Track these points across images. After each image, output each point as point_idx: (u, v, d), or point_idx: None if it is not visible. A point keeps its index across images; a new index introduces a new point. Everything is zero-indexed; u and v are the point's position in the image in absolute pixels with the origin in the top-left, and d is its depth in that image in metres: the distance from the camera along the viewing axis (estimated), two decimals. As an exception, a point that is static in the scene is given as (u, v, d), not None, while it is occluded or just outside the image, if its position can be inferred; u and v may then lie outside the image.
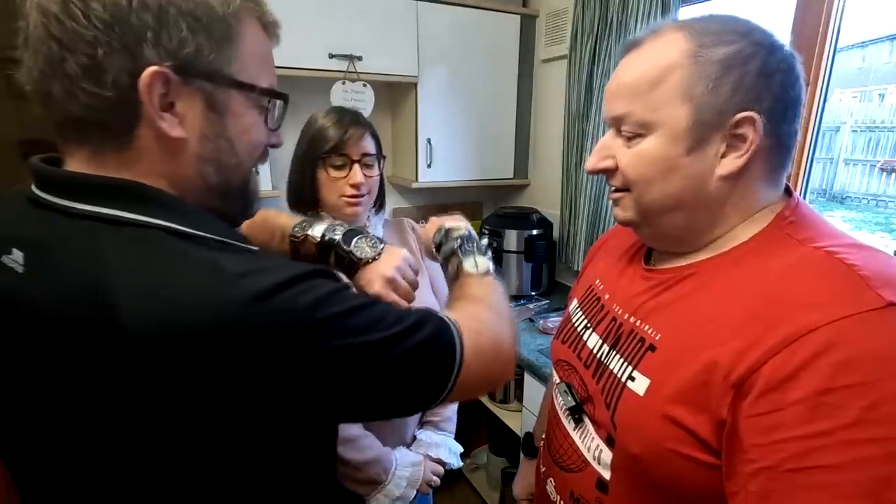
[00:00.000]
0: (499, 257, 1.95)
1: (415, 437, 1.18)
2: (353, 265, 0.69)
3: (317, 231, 0.71)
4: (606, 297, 0.70)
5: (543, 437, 0.81)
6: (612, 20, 1.58)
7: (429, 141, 1.92)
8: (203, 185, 0.49)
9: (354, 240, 0.69)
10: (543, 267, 2.00)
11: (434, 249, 0.77)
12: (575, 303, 0.79)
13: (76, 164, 0.47)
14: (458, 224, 0.76)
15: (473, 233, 0.75)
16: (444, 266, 0.73)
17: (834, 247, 0.49)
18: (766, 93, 0.51)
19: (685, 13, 1.52)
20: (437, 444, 1.17)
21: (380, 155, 1.07)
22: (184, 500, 0.48)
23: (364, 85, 1.73)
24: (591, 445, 0.62)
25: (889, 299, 0.42)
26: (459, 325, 0.53)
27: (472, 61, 1.94)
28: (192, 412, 0.42)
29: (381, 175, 1.09)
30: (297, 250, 0.73)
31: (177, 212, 0.46)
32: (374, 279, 0.67)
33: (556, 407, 0.72)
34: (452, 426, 1.24)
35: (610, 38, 1.60)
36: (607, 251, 0.79)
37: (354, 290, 0.51)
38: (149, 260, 0.42)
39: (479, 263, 0.68)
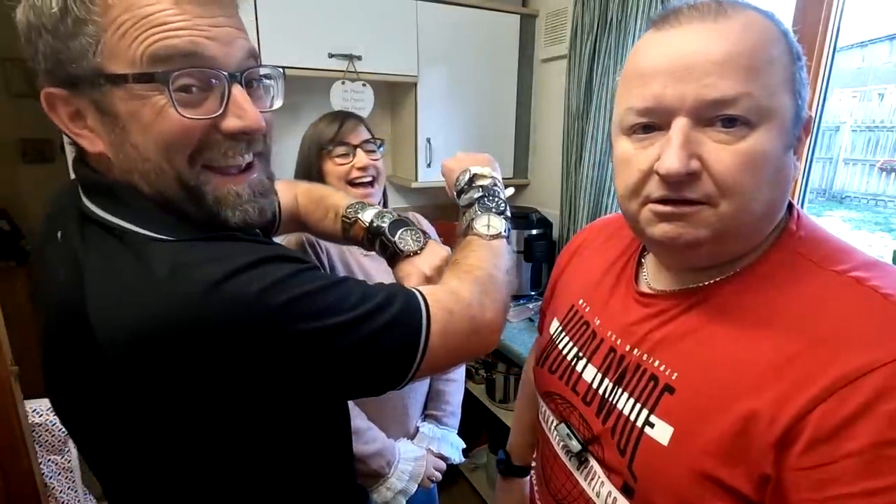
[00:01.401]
0: (498, 257, 1.95)
1: (417, 429, 1.18)
2: (396, 255, 0.69)
3: (367, 216, 0.71)
4: (597, 322, 0.62)
5: (534, 465, 0.76)
6: (611, 19, 1.58)
7: (428, 141, 1.92)
8: (151, 195, 0.46)
9: (400, 231, 0.69)
10: (543, 267, 2.00)
11: (455, 194, 0.73)
12: (556, 324, 0.70)
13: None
14: (484, 170, 0.71)
15: (499, 182, 0.72)
16: (462, 213, 0.70)
17: (856, 271, 0.45)
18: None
19: (685, 13, 1.52)
20: (439, 438, 1.17)
21: (380, 142, 1.12)
22: (187, 493, 0.50)
23: (364, 85, 1.73)
24: (601, 491, 0.55)
25: None
26: (430, 303, 0.52)
27: (472, 61, 1.94)
28: (167, 409, 0.43)
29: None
30: (347, 231, 0.73)
31: (137, 211, 0.46)
32: (413, 274, 0.67)
33: (552, 442, 0.65)
34: (456, 421, 1.24)
35: (609, 38, 1.60)
36: (585, 264, 0.72)
37: (343, 272, 0.52)
38: (112, 259, 0.43)
39: (491, 224, 0.65)
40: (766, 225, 0.48)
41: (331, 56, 1.65)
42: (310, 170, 1.08)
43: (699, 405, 0.46)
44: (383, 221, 0.70)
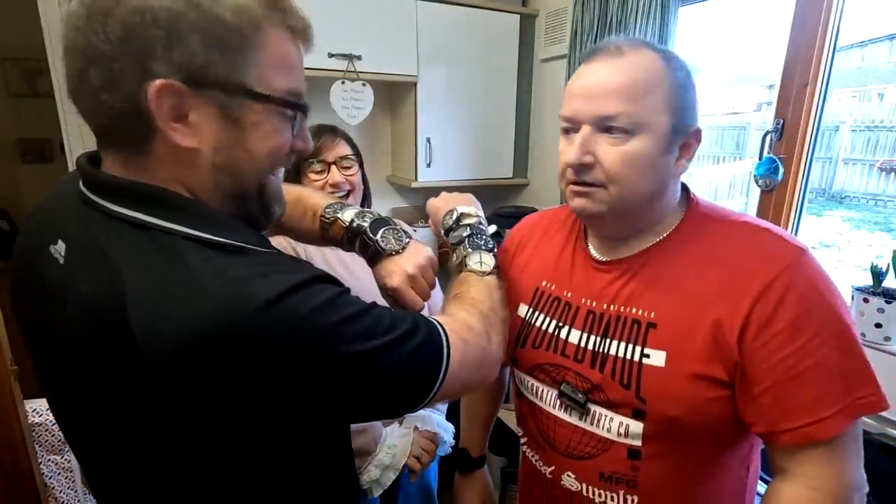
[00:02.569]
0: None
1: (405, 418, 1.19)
2: (377, 255, 0.69)
3: (346, 216, 0.71)
4: (568, 294, 0.75)
5: (525, 441, 0.83)
6: (611, 19, 1.58)
7: (428, 140, 1.92)
8: (218, 191, 0.50)
9: (382, 230, 0.69)
10: (543, 266, 2.00)
11: (443, 232, 0.76)
12: (525, 308, 0.80)
13: (110, 165, 0.49)
14: (470, 209, 0.76)
15: (484, 222, 0.76)
16: (452, 249, 0.74)
17: (742, 218, 0.68)
18: (696, 111, 0.66)
19: (684, 13, 1.52)
20: (424, 416, 1.18)
21: (359, 157, 1.18)
22: (200, 496, 0.50)
23: (363, 84, 1.73)
24: (610, 427, 0.67)
25: (801, 246, 0.62)
26: (449, 333, 0.55)
27: (472, 61, 1.94)
28: (200, 419, 0.43)
29: (364, 179, 1.19)
30: (325, 231, 0.73)
31: (196, 217, 0.47)
32: (396, 273, 0.67)
33: (547, 407, 0.75)
34: (443, 406, 1.27)
35: (609, 38, 1.60)
36: (535, 255, 0.84)
37: (368, 293, 0.52)
38: (161, 268, 0.43)
39: (483, 261, 0.69)
40: (654, 203, 0.67)
41: (331, 56, 1.65)
42: (291, 179, 1.12)
43: (679, 329, 0.63)
44: (364, 220, 0.70)
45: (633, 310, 0.67)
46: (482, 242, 0.72)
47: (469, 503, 0.98)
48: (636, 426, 0.65)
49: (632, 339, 0.66)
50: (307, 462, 0.56)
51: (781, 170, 1.33)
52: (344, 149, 1.15)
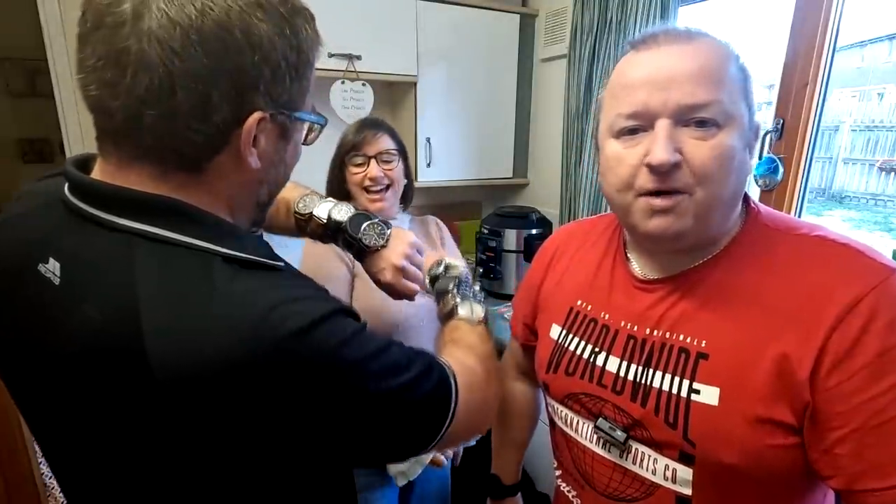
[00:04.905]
0: (498, 257, 1.95)
1: None
2: (362, 251, 0.69)
3: (321, 211, 0.71)
4: (606, 316, 0.66)
5: (558, 475, 0.76)
6: (611, 19, 1.58)
7: (428, 140, 1.92)
8: (253, 204, 0.51)
9: (363, 226, 0.69)
10: (543, 266, 2.00)
11: (428, 281, 0.77)
12: (557, 329, 0.72)
13: (132, 177, 0.43)
14: (457, 263, 0.77)
15: (469, 277, 0.77)
16: (437, 300, 0.74)
17: (813, 231, 0.57)
18: None
19: (684, 13, 1.52)
20: None
21: (401, 153, 1.19)
22: None
23: (363, 84, 1.73)
24: (656, 469, 0.59)
25: (892, 265, 0.51)
26: (457, 374, 0.54)
27: (472, 60, 1.94)
28: (212, 446, 0.41)
29: (407, 173, 1.21)
30: (302, 228, 0.73)
31: (215, 230, 0.45)
32: (386, 269, 0.68)
33: (583, 440, 0.67)
34: None
35: (609, 38, 1.60)
36: (569, 270, 0.75)
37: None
38: (183, 290, 0.40)
39: (474, 311, 0.69)
40: (731, 210, 0.58)
41: (331, 56, 1.65)
42: (335, 171, 1.19)
43: (736, 362, 0.54)
44: (341, 216, 0.70)
45: (681, 337, 0.58)
46: (471, 293, 0.72)
47: None
48: (685, 471, 0.56)
49: (679, 370, 0.57)
50: (308, 486, 0.54)
51: (781, 170, 1.33)
52: (386, 143, 1.16)
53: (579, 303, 0.71)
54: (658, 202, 0.54)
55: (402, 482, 1.12)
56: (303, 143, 0.55)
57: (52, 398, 0.47)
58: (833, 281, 0.51)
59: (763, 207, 0.61)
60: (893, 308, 0.48)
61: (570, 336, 0.70)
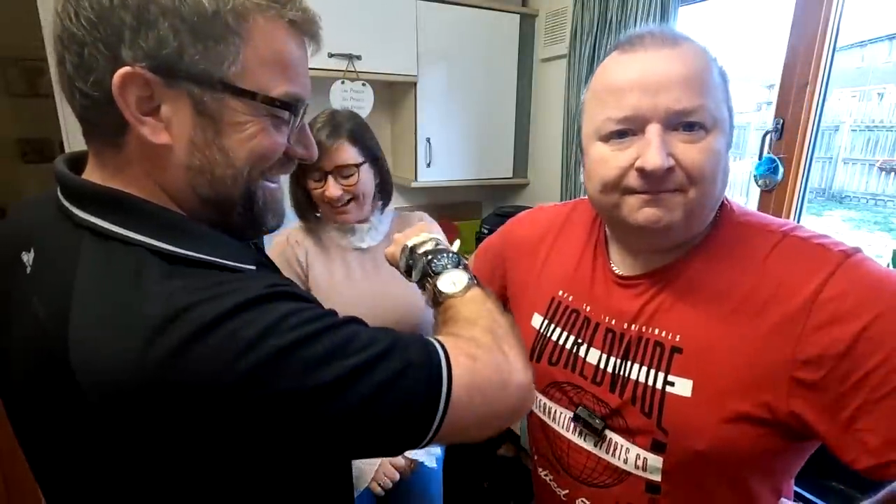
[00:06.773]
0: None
1: None
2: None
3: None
4: (587, 308, 0.68)
5: (536, 458, 0.77)
6: (611, 19, 1.58)
7: (428, 140, 1.92)
8: (196, 196, 0.45)
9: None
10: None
11: (404, 273, 0.69)
12: (539, 318, 0.73)
13: (91, 165, 0.46)
14: (421, 237, 0.68)
15: (442, 241, 0.68)
16: (422, 288, 0.64)
17: (782, 228, 0.59)
18: None
19: (684, 13, 1.52)
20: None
21: (367, 160, 1.05)
22: None
23: (363, 84, 1.73)
24: (627, 457, 0.61)
25: (845, 249, 0.54)
26: (450, 352, 0.45)
27: (472, 60, 1.94)
28: (150, 458, 0.39)
29: (380, 173, 1.10)
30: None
31: (165, 226, 0.42)
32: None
33: (559, 428, 0.69)
34: None
35: (609, 38, 1.60)
36: (551, 259, 0.75)
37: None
38: (114, 289, 0.38)
39: (456, 280, 0.59)
40: (713, 211, 0.59)
41: (331, 56, 1.65)
42: (294, 187, 1.07)
43: (708, 355, 0.56)
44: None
45: (657, 331, 0.60)
46: (446, 262, 0.62)
47: None
48: (655, 460, 0.59)
49: (654, 363, 0.59)
50: (295, 485, 0.50)
51: (781, 170, 1.33)
52: (344, 154, 1.01)
53: (561, 293, 0.72)
54: (646, 195, 0.56)
55: (361, 486, 1.02)
56: (295, 143, 0.49)
57: (11, 390, 0.46)
58: (797, 275, 0.53)
59: (736, 204, 0.63)
60: (855, 288, 0.50)
61: (553, 326, 0.71)
